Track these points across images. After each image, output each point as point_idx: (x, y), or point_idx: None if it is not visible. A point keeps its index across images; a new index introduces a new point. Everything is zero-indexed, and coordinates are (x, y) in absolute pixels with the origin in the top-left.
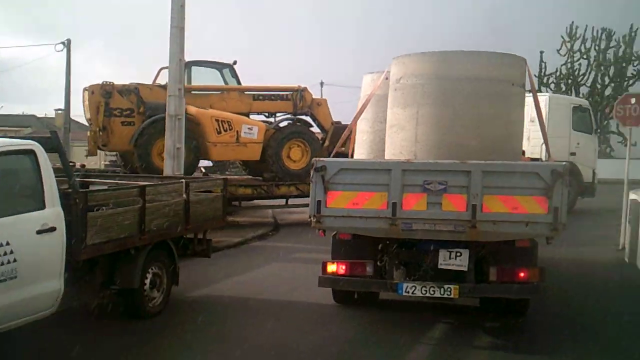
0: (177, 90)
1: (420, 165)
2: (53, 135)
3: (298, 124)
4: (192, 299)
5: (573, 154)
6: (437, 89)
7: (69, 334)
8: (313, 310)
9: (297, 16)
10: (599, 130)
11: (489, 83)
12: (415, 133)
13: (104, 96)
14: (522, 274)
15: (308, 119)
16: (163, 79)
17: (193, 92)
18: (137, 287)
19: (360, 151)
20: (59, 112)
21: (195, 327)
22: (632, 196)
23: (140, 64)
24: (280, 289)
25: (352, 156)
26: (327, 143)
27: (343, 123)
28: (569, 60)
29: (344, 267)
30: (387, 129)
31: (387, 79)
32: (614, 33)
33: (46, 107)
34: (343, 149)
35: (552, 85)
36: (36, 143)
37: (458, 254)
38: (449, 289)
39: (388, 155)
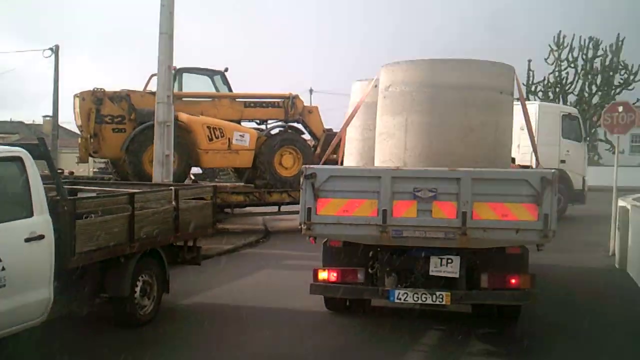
0: (165, 97)
1: (410, 172)
2: (41, 142)
3: (290, 131)
4: (183, 307)
5: (563, 161)
6: (426, 97)
7: (59, 343)
8: (305, 317)
9: (286, 24)
10: (588, 138)
11: (477, 91)
12: (404, 141)
13: (95, 103)
14: (513, 281)
15: (300, 126)
16: (154, 86)
17: (184, 99)
18: (128, 295)
19: (350, 158)
20: (47, 118)
21: (187, 334)
22: (621, 203)
23: (131, 71)
24: (272, 296)
25: (341, 163)
26: (318, 150)
27: (334, 130)
28: (556, 69)
29: (335, 274)
30: (376, 137)
31: (376, 86)
32: (601, 42)
33: (34, 113)
34: (334, 156)
35: (540, 94)
36: (24, 150)
37: (449, 261)
38: (440, 296)
39: (377, 163)
